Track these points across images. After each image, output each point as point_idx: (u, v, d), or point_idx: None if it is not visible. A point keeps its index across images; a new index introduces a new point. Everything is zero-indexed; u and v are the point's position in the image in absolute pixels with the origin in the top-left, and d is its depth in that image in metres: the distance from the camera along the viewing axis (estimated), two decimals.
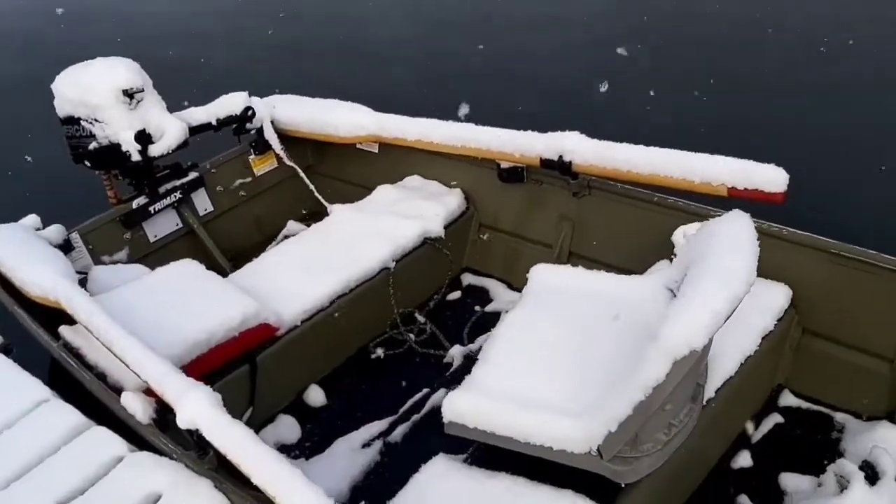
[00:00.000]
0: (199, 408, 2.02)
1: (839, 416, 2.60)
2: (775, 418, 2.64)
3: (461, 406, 2.11)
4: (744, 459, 2.51)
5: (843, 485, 2.26)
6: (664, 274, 2.39)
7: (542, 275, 2.56)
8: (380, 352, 3.17)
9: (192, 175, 3.64)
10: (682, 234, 2.68)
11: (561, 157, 2.99)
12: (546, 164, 3.06)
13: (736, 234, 1.97)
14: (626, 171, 2.85)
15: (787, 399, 2.69)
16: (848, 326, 2.58)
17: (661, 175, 2.78)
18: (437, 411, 2.80)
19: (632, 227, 3.03)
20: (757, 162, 2.63)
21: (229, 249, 3.75)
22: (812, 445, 2.53)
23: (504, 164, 3.29)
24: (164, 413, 2.26)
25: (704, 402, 2.25)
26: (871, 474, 2.25)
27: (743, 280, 1.82)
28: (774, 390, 2.72)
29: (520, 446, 2.03)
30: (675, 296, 2.35)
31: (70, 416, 2.26)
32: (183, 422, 2.04)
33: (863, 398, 2.57)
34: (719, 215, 2.74)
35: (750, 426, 2.63)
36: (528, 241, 3.40)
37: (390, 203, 3.49)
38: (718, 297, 1.78)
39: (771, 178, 2.58)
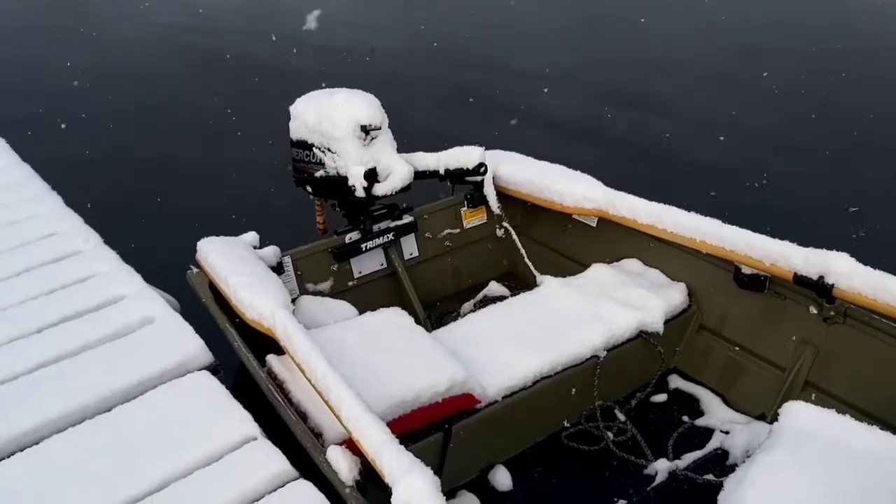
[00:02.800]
0: (419, 493, 1.86)
1: None
2: None
3: None
4: None
5: None
6: None
7: (801, 415, 2.24)
8: (573, 444, 2.93)
9: (407, 219, 3.58)
10: None
11: (822, 277, 2.67)
12: (801, 280, 2.74)
13: None
14: None
15: None
16: None
17: None
18: None
19: (893, 370, 2.65)
20: None
21: (425, 297, 3.66)
22: None
23: (745, 269, 2.99)
24: (368, 477, 2.14)
25: None
26: None
27: None
28: None
29: None
30: None
31: (277, 462, 2.16)
32: (399, 502, 1.89)
33: None
34: None
35: None
36: (755, 357, 3.07)
37: (607, 286, 3.27)
38: None
39: None
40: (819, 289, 2.69)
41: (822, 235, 3.80)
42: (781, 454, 2.10)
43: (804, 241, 2.81)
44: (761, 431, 2.65)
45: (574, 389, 2.94)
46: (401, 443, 2.48)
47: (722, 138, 6.36)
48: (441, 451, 2.64)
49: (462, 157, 3.54)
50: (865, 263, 2.63)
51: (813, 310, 2.86)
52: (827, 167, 5.82)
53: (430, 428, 2.60)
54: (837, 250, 2.72)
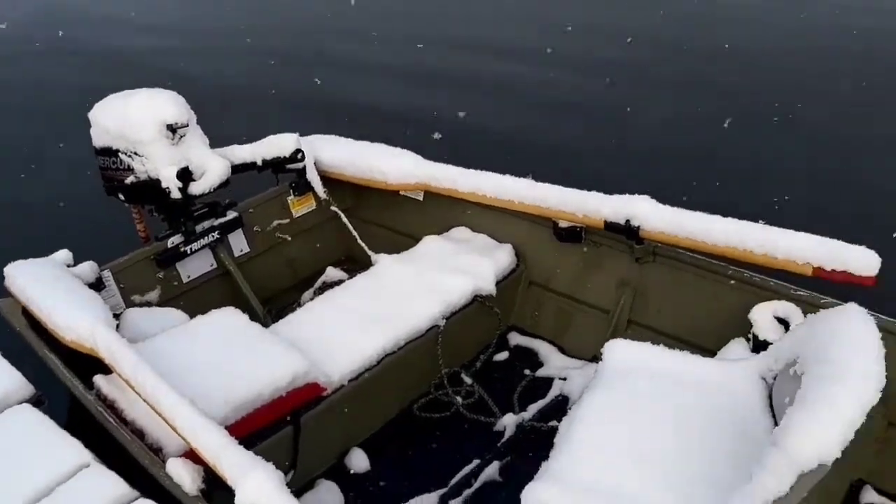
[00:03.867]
0: (263, 489, 1.84)
1: None
2: None
3: (543, 497, 1.94)
4: None
5: None
6: (756, 362, 2.24)
7: (620, 352, 2.40)
8: (425, 414, 3.00)
9: (231, 215, 3.48)
10: (767, 314, 2.54)
11: (629, 221, 2.85)
12: (611, 227, 2.92)
13: (860, 334, 1.82)
14: (701, 241, 2.71)
15: (871, 496, 2.52)
16: None
17: (738, 248, 2.64)
18: (491, 486, 2.65)
19: (701, 299, 2.88)
20: (846, 242, 2.50)
21: (262, 291, 3.59)
22: None
23: (562, 223, 3.15)
24: (213, 484, 2.09)
25: None
26: None
27: (874, 388, 1.68)
28: (855, 485, 2.56)
29: None
30: (769, 385, 2.21)
31: (113, 485, 2.06)
32: (243, 502, 1.86)
33: None
34: (804, 295, 2.62)
35: None
36: (582, 304, 3.25)
37: (438, 256, 3.34)
38: (851, 407, 1.63)
39: (862, 260, 2.44)
40: (628, 232, 2.87)
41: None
42: (605, 389, 2.25)
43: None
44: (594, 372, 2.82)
45: (419, 361, 3.00)
46: (250, 442, 2.46)
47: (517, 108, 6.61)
48: (293, 445, 2.62)
49: (276, 145, 3.48)
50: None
51: (626, 253, 3.05)
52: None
53: (277, 423, 2.57)
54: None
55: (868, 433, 2.41)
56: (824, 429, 1.60)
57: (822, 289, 2.61)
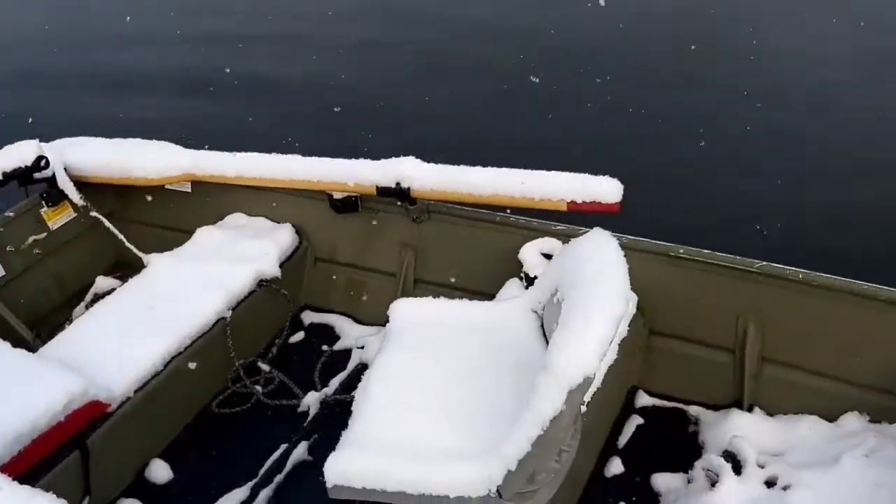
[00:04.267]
0: None
1: (693, 410, 2.74)
2: (636, 420, 2.72)
3: (344, 466, 1.96)
4: (615, 466, 2.57)
5: (712, 478, 2.37)
6: (527, 297, 2.38)
7: (404, 310, 2.45)
8: (225, 410, 2.91)
9: None
10: (534, 252, 2.70)
11: (398, 183, 2.91)
12: (383, 192, 2.96)
13: (604, 254, 1.99)
14: (468, 194, 2.83)
15: (643, 399, 2.80)
16: (690, 323, 2.71)
17: (501, 195, 2.78)
18: (301, 467, 2.64)
19: (477, 248, 3.01)
20: (591, 175, 2.71)
21: (30, 315, 3.28)
22: (674, 442, 2.64)
23: (336, 195, 3.15)
24: None
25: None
26: (735, 464, 2.39)
27: (622, 300, 1.84)
28: (630, 392, 2.82)
29: (414, 500, 1.91)
30: (540, 317, 2.36)
31: None
32: None
33: (711, 390, 2.72)
34: (562, 229, 2.82)
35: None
36: (369, 272, 3.29)
37: (215, 247, 3.22)
38: (603, 321, 1.78)
39: (606, 189, 2.67)
40: (399, 195, 2.93)
41: None
42: (393, 349, 2.31)
43: None
44: None
45: (210, 358, 2.89)
46: (35, 476, 2.27)
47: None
48: (83, 469, 2.45)
49: (16, 155, 3.17)
50: None
51: (402, 215, 3.11)
52: None
53: (62, 450, 2.38)
54: None
55: (633, 343, 2.67)
56: (583, 345, 1.73)
57: (581, 221, 2.81)
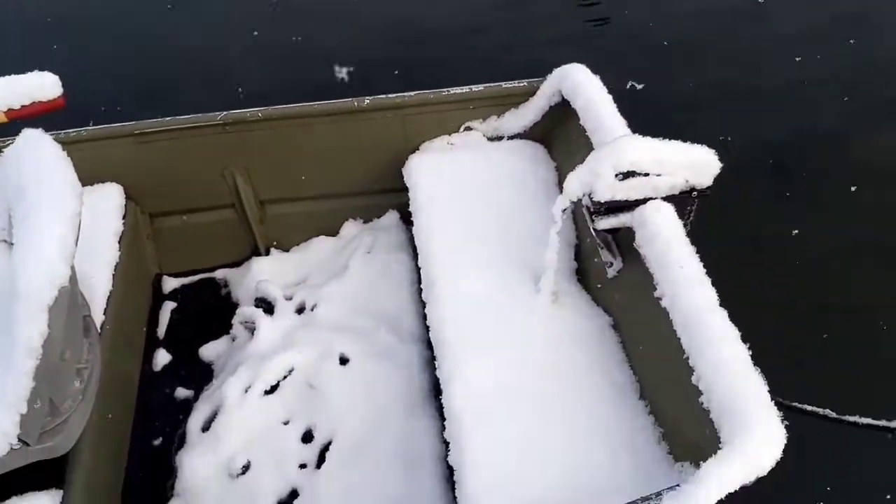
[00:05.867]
0: None
1: (219, 274, 2.76)
2: (169, 305, 2.68)
3: None
4: (162, 356, 2.52)
5: (250, 328, 2.47)
6: None
7: None
8: None
9: None
10: None
11: None
12: None
13: (40, 155, 1.80)
14: None
15: (170, 283, 2.75)
16: (185, 194, 2.66)
17: None
18: None
19: None
20: (23, 74, 2.40)
21: None
22: (210, 311, 2.65)
23: None
24: None
25: (100, 331, 2.14)
26: (267, 306, 2.51)
27: (71, 194, 1.72)
28: (155, 281, 2.74)
29: None
30: (10, 244, 2.11)
31: None
32: None
33: (228, 249, 2.75)
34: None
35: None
36: None
37: None
38: (58, 225, 1.65)
39: (44, 84, 2.39)
40: None
41: None
42: None
43: None
44: None
45: None
46: None
47: None
48: None
49: None
50: None
51: None
52: None
53: None
54: None
55: (137, 234, 2.57)
56: (46, 256, 1.60)
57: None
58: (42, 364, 1.64)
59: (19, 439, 1.68)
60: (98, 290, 2.26)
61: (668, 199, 1.90)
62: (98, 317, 2.20)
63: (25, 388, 1.63)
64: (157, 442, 2.31)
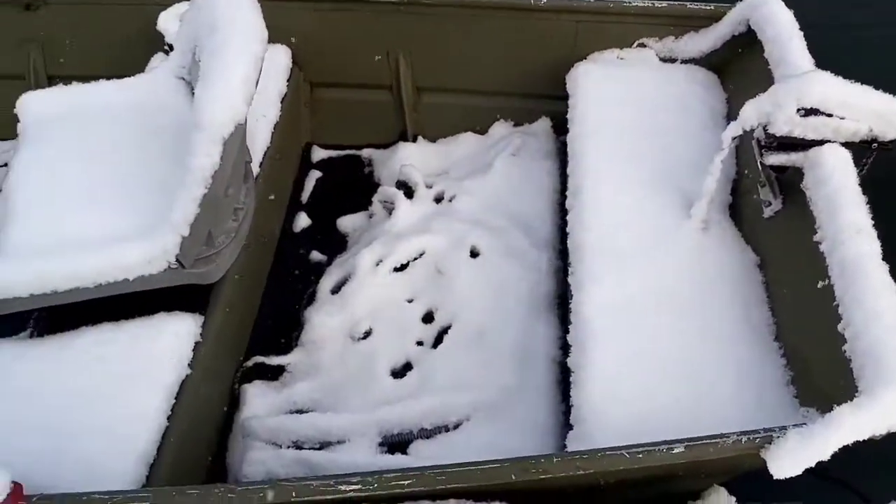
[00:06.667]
0: None
1: (365, 152, 2.83)
2: (315, 174, 2.77)
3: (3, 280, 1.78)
4: (303, 220, 2.63)
5: (389, 208, 2.53)
6: (168, 65, 2.22)
7: (34, 105, 2.17)
8: None
9: None
10: (170, 19, 2.47)
11: None
12: None
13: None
14: None
15: (318, 154, 2.84)
16: (347, 68, 2.72)
17: None
18: None
19: (107, 31, 2.69)
20: None
21: None
22: (352, 186, 2.74)
23: None
24: None
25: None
26: (407, 190, 2.57)
27: (258, 39, 1.78)
28: (305, 149, 2.84)
29: (91, 293, 1.81)
30: (189, 83, 2.23)
31: None
32: None
33: (378, 129, 2.81)
34: None
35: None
36: None
37: None
38: (242, 63, 1.72)
39: None
40: None
41: None
42: (31, 148, 2.07)
43: None
44: None
45: None
46: None
47: None
48: None
49: None
50: None
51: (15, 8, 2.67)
52: None
53: None
54: None
55: (297, 99, 2.65)
56: (226, 92, 1.68)
57: None
58: (209, 194, 1.74)
59: (177, 259, 1.81)
60: (257, 143, 2.36)
61: (846, 144, 1.80)
62: (254, 168, 2.31)
63: (192, 213, 1.75)
64: (288, 296, 2.44)
